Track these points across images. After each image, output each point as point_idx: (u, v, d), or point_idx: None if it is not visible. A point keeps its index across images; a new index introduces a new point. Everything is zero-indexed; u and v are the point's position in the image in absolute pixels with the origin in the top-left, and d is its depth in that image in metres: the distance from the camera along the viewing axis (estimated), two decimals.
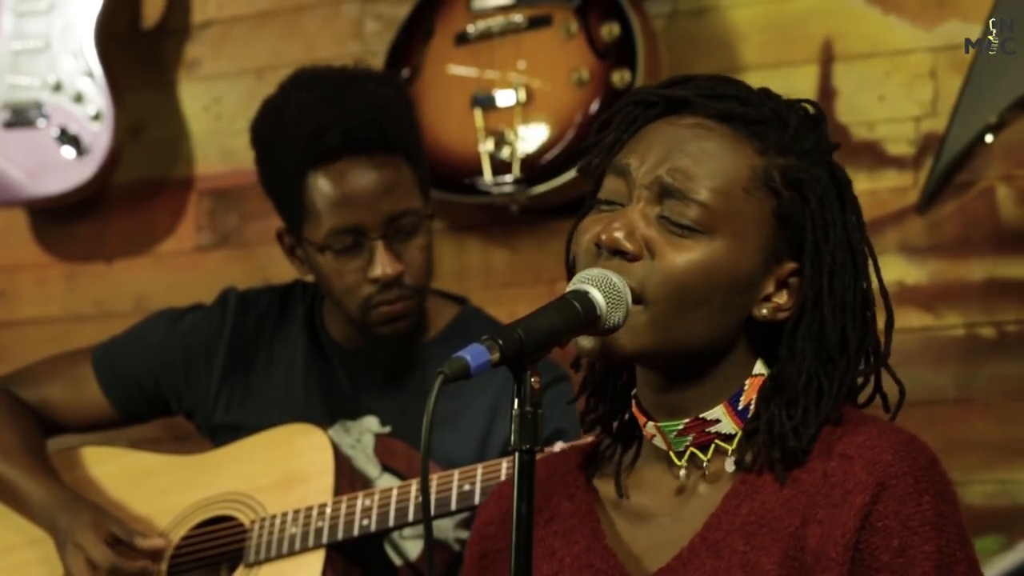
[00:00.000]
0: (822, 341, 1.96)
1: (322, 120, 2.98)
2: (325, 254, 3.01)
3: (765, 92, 2.02)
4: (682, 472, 2.00)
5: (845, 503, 1.90)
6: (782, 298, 1.98)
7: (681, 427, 1.98)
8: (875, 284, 2.03)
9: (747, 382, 1.99)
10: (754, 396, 1.98)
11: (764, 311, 1.97)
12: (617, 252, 1.93)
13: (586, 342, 1.94)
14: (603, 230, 1.95)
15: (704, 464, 1.99)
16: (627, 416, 2.08)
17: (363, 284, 3.00)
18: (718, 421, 1.98)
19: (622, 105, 2.04)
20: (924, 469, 1.92)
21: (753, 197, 1.95)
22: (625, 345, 1.93)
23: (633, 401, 2.04)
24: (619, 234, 1.93)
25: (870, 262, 2.01)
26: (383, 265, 2.98)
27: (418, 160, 3.06)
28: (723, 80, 2.03)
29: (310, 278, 3.10)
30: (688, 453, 2.00)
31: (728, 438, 1.99)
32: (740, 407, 1.98)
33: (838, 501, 1.91)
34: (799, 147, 1.97)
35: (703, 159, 1.95)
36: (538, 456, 1.86)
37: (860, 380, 2.01)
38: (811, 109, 2.02)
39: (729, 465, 1.98)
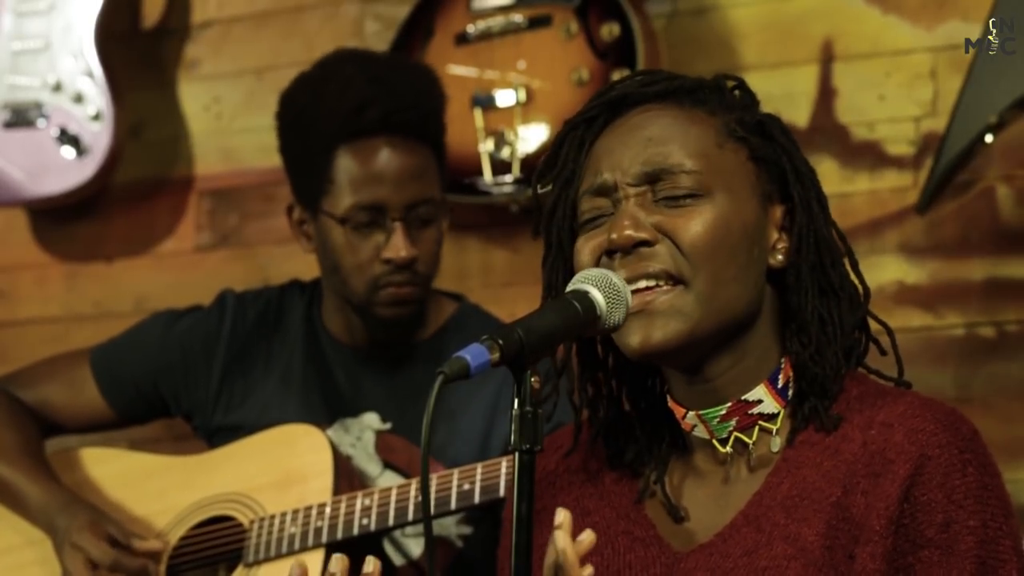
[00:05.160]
0: (823, 268, 2.01)
1: (365, 96, 3.02)
2: (344, 227, 3.02)
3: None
4: (727, 458, 2.02)
5: (887, 472, 1.93)
6: (785, 241, 2.03)
7: (724, 412, 2.01)
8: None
9: (782, 360, 2.02)
10: (791, 372, 2.01)
11: (779, 256, 2.02)
12: (634, 247, 1.96)
13: (633, 340, 1.96)
14: (610, 232, 1.98)
15: (750, 447, 2.01)
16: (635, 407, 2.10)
17: (375, 263, 3.02)
18: (760, 401, 2.01)
19: (563, 135, 2.08)
20: (967, 440, 1.96)
21: (727, 150, 2.01)
22: (680, 329, 1.96)
23: (668, 396, 2.06)
24: (629, 230, 1.97)
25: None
26: (398, 247, 3.00)
27: (442, 155, 3.10)
28: (642, 72, 2.13)
29: (311, 253, 3.12)
30: (732, 439, 2.02)
31: (771, 419, 2.01)
32: (780, 385, 2.02)
33: (879, 470, 1.93)
34: (740, 102, 2.06)
35: (671, 135, 2.01)
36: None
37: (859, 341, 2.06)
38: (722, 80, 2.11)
39: (775, 445, 2.01)
